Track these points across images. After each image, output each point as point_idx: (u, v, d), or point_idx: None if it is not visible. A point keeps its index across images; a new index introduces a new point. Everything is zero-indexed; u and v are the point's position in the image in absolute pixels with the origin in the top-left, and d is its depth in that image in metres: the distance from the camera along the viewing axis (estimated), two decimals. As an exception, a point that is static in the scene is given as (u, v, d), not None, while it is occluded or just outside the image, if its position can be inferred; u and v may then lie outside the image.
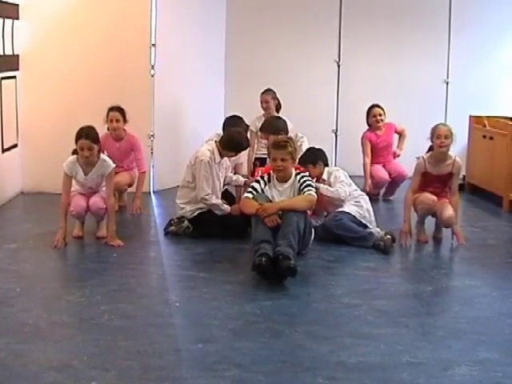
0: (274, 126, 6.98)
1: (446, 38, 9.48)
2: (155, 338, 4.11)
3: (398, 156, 8.42)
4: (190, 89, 8.75)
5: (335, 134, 9.73)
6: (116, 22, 7.84)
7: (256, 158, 7.95)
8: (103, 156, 6.17)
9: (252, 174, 7.49)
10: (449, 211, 6.21)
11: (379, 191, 8.35)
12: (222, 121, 7.36)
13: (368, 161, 8.28)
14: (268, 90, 8.17)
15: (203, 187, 6.28)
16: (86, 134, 5.94)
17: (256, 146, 8.07)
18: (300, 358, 3.90)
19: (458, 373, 3.74)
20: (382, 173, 8.26)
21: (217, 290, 4.95)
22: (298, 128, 7.44)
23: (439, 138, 6.19)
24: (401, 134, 8.46)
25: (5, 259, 5.59)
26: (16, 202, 7.65)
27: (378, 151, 8.34)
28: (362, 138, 8.35)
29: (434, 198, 6.29)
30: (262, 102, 8.15)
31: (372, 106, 8.33)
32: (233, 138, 6.47)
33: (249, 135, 7.20)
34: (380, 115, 8.27)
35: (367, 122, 8.35)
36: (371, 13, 9.44)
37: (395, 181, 8.29)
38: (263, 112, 8.12)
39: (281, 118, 7.27)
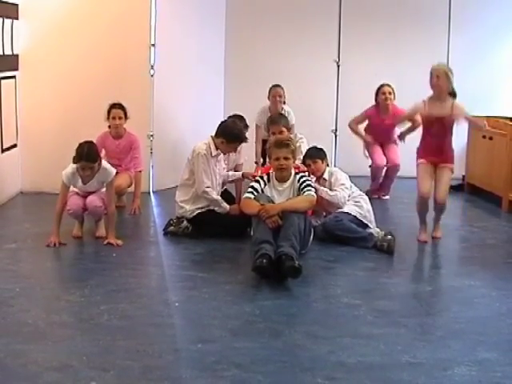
0: (284, 120, 7.02)
1: (446, 38, 9.48)
2: (155, 338, 4.11)
3: (398, 142, 7.87)
4: (189, 89, 8.76)
5: (335, 133, 9.74)
6: (116, 22, 7.84)
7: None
8: (104, 163, 6.08)
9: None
10: (441, 192, 6.22)
11: (377, 184, 8.32)
12: (222, 120, 7.36)
13: (353, 125, 8.27)
14: (278, 85, 8.29)
15: (203, 180, 6.28)
16: (87, 156, 5.84)
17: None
18: (299, 358, 3.90)
19: (458, 373, 3.74)
20: (380, 159, 8.20)
21: (216, 290, 4.95)
22: (298, 128, 7.45)
23: (432, 78, 6.20)
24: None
25: (4, 259, 5.59)
26: (15, 201, 7.65)
27: (377, 132, 8.27)
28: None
29: (427, 190, 6.26)
30: (274, 96, 8.24)
31: (382, 85, 8.27)
32: (226, 125, 6.51)
33: (255, 129, 7.65)
34: (390, 93, 8.21)
35: (375, 100, 8.29)
36: (371, 12, 9.45)
37: (388, 173, 8.26)
38: (269, 105, 8.23)
39: (285, 116, 7.31)
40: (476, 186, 8.54)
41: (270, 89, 8.32)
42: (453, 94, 6.28)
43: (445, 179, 6.28)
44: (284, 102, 8.28)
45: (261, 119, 8.16)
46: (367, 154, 8.29)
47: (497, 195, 7.92)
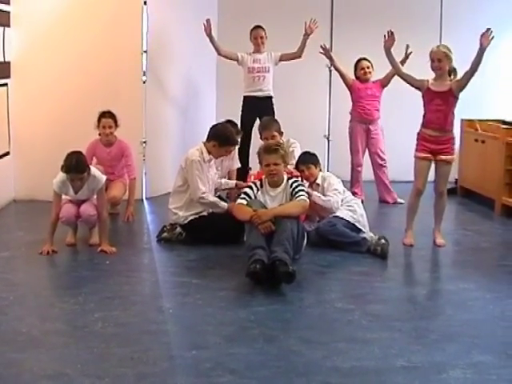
0: (276, 124, 7.02)
1: (437, 41, 9.49)
2: (149, 345, 4.10)
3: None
4: (181, 95, 8.77)
5: (327, 139, 9.75)
6: (108, 29, 7.84)
7: (246, 97, 8.28)
8: (93, 171, 6.05)
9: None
10: (440, 183, 6.28)
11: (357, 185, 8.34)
12: (213, 124, 7.38)
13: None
14: (259, 26, 8.38)
15: (198, 186, 6.26)
16: (76, 168, 5.83)
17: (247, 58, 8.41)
18: (294, 363, 3.90)
19: (452, 376, 3.75)
20: (358, 157, 8.29)
21: (210, 297, 4.95)
22: (290, 133, 7.44)
23: (433, 62, 6.33)
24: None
25: (-3, 267, 5.58)
26: (8, 209, 7.64)
27: (360, 100, 8.24)
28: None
29: (422, 185, 6.26)
30: (255, 38, 8.35)
31: (359, 59, 8.31)
32: (217, 128, 6.52)
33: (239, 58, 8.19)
34: (368, 68, 8.24)
35: (355, 76, 8.33)
36: (362, 17, 9.46)
37: (374, 162, 8.30)
38: (252, 49, 8.40)
39: (277, 121, 7.32)
40: (469, 189, 8.56)
41: (252, 30, 8.39)
42: (453, 72, 6.38)
43: (444, 173, 6.30)
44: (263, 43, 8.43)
45: (242, 56, 8.37)
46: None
47: (490, 198, 7.94)
